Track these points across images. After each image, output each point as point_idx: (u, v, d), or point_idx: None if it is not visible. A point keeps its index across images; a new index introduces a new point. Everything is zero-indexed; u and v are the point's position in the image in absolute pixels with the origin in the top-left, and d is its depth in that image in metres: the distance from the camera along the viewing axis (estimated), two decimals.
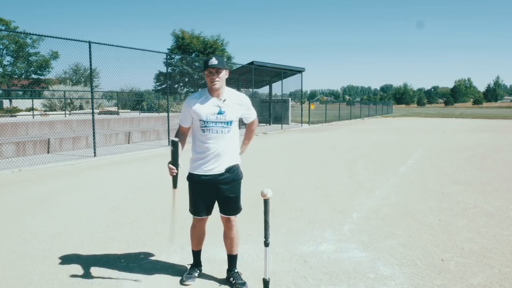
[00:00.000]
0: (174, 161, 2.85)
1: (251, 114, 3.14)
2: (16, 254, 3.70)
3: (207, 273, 3.28)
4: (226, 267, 3.21)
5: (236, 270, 3.17)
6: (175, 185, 2.92)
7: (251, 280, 3.14)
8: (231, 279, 3.12)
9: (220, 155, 2.94)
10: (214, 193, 3.00)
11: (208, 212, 3.08)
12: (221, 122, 2.91)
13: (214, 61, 2.86)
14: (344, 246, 3.89)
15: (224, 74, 2.93)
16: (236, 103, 2.98)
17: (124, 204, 5.44)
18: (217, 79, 2.87)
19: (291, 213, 5.03)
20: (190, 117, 2.96)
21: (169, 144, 2.93)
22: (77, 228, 4.46)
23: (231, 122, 2.95)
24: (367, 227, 4.46)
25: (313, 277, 3.23)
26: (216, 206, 3.10)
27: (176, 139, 2.86)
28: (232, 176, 3.02)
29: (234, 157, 3.04)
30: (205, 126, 2.90)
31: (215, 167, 2.94)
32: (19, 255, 3.67)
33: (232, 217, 3.07)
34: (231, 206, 3.04)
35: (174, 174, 2.87)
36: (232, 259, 3.18)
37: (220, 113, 2.91)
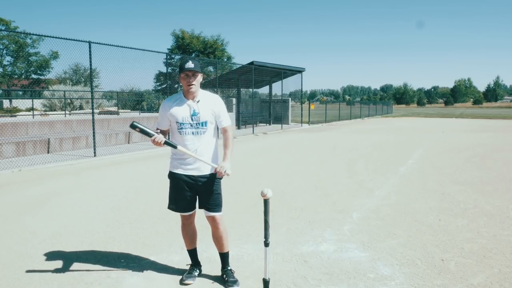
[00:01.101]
0: (149, 134, 2.88)
1: (224, 117, 3.09)
2: (16, 254, 3.70)
3: (207, 273, 3.28)
4: (230, 268, 3.22)
5: (229, 268, 3.19)
6: (175, 146, 2.91)
7: (251, 280, 3.14)
8: (224, 276, 3.15)
9: (197, 155, 2.97)
10: (195, 190, 3.06)
11: (190, 208, 3.12)
12: (196, 124, 2.97)
13: (190, 64, 2.90)
14: (344, 246, 3.89)
15: (200, 78, 2.99)
16: (210, 104, 3.03)
17: (124, 204, 5.44)
18: (193, 82, 2.93)
19: (291, 213, 5.03)
20: (168, 120, 3.03)
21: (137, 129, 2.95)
22: (77, 228, 4.46)
23: (205, 122, 2.99)
24: (367, 227, 4.46)
25: (313, 277, 3.23)
26: (202, 211, 3.13)
27: (135, 122, 2.87)
28: (212, 175, 3.05)
29: (213, 161, 3.06)
30: (181, 128, 2.96)
31: (194, 168, 3.01)
32: (19, 255, 3.67)
33: (217, 216, 3.09)
34: (212, 203, 3.06)
35: (162, 141, 2.86)
36: (223, 257, 3.21)
37: (194, 114, 2.97)
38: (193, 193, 3.07)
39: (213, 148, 3.08)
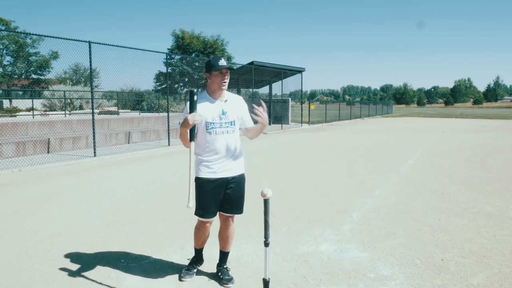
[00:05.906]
0: (194, 110, 2.79)
1: (248, 118, 3.10)
2: (16, 254, 3.70)
3: (206, 271, 3.29)
4: (226, 266, 3.23)
5: (225, 266, 3.21)
6: (192, 138, 2.83)
7: (251, 280, 3.14)
8: (219, 273, 3.16)
9: (227, 156, 2.96)
10: (223, 194, 3.00)
11: (216, 213, 3.07)
12: (226, 123, 2.94)
13: (224, 62, 2.88)
14: (344, 246, 3.89)
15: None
16: (236, 104, 3.04)
17: (124, 204, 5.44)
18: (227, 80, 2.92)
19: (291, 213, 5.03)
20: None
21: (189, 100, 2.85)
22: (77, 228, 4.46)
23: (234, 122, 2.98)
24: (367, 227, 4.46)
25: (313, 277, 3.23)
26: None
27: (194, 90, 2.82)
28: (240, 177, 3.05)
29: (240, 162, 3.07)
30: (212, 128, 2.91)
31: (224, 170, 2.95)
32: (19, 255, 3.67)
33: (235, 216, 3.09)
34: (236, 205, 3.05)
35: (198, 121, 2.80)
36: (223, 256, 3.22)
37: (223, 113, 2.94)
38: (221, 196, 2.99)
39: (240, 150, 3.07)
